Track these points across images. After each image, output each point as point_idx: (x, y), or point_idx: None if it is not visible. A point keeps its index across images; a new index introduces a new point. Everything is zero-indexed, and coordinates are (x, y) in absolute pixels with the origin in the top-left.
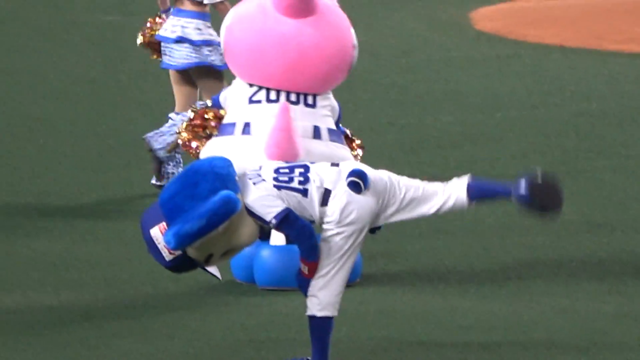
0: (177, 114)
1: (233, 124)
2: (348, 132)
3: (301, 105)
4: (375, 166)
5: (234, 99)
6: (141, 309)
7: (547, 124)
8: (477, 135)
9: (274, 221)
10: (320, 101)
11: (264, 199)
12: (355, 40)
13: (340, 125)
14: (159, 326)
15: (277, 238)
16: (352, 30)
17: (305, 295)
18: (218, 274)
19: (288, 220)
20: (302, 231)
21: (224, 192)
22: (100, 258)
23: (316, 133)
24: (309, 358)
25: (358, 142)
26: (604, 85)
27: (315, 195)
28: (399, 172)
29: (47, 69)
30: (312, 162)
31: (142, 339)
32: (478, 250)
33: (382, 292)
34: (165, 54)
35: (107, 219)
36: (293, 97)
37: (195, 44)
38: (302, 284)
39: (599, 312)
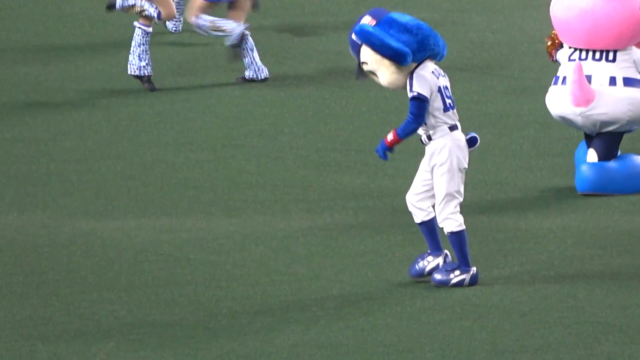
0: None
1: (557, 77)
2: None
3: (602, 61)
4: None
5: (562, 58)
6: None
7: None
8: None
9: (411, 94)
10: (620, 56)
11: (424, 80)
12: None
13: None
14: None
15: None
16: None
17: (381, 157)
18: None
19: (417, 101)
20: (417, 115)
21: (408, 51)
22: (388, 190)
23: (611, 82)
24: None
25: None
26: None
27: (450, 118)
28: None
29: (349, 50)
30: None
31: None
32: None
33: None
34: None
35: (397, 159)
36: (597, 55)
37: None
38: (379, 146)
39: None
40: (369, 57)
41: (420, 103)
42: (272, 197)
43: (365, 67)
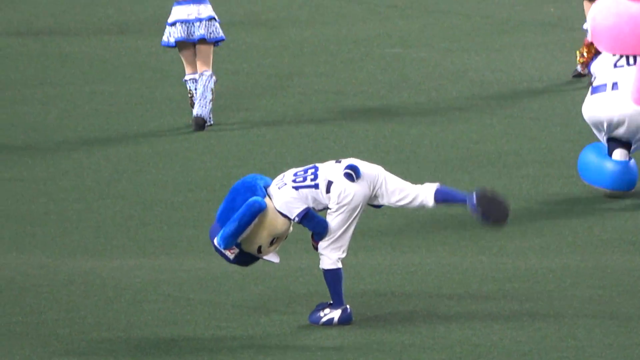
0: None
1: (604, 85)
2: None
3: None
4: None
5: (602, 67)
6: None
7: None
8: None
9: (297, 218)
10: None
11: (288, 202)
12: None
13: None
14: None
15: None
16: None
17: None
18: (275, 260)
19: (307, 217)
20: (318, 224)
21: (251, 199)
22: (386, 228)
23: None
24: (331, 302)
25: None
26: None
27: (322, 186)
28: None
29: (348, 89)
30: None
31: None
32: None
33: None
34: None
35: None
36: None
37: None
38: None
39: None
40: (252, 242)
41: (307, 216)
42: None
43: (265, 249)
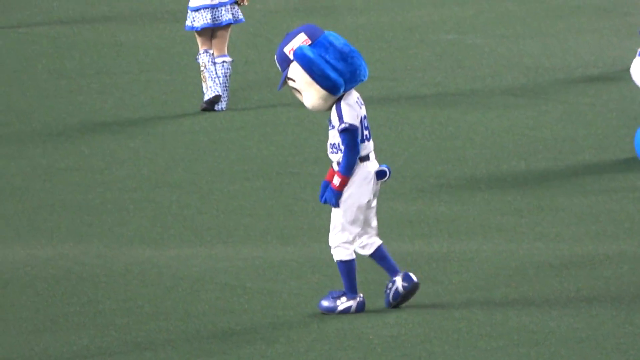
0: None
1: None
2: None
3: None
4: None
5: None
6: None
7: None
8: None
9: (343, 125)
10: None
11: (352, 110)
12: None
13: None
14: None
15: None
16: None
17: (332, 205)
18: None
19: (350, 132)
20: (353, 146)
21: (342, 82)
22: (444, 216)
23: None
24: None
25: None
26: None
27: (364, 149)
28: None
29: (404, 76)
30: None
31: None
32: None
33: None
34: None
35: (453, 185)
36: None
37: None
38: (330, 195)
39: None
40: (300, 77)
41: (353, 133)
42: (328, 225)
43: (291, 84)
